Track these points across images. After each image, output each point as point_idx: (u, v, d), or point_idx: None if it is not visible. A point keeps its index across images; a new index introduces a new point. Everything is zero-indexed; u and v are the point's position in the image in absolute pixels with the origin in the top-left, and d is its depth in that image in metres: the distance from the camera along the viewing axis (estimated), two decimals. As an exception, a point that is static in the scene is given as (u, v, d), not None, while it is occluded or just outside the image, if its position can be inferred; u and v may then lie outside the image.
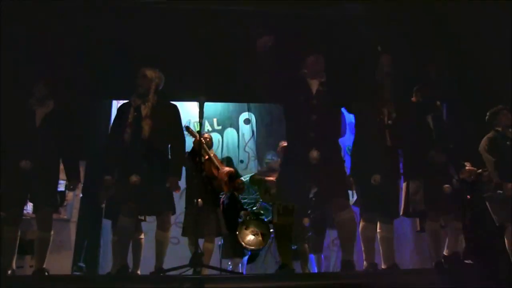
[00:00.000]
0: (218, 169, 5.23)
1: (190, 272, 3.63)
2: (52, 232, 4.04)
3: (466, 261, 4.25)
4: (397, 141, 3.97)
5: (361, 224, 4.04)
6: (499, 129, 4.57)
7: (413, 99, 4.36)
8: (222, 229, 5.14)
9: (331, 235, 7.11)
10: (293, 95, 3.79)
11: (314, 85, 3.81)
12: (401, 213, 4.27)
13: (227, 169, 5.30)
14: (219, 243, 5.68)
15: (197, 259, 3.61)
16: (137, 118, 3.88)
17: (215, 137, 7.51)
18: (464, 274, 3.63)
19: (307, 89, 3.79)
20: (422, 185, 4.07)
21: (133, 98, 3.98)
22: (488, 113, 4.70)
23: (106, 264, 6.44)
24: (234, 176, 5.38)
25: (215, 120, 7.67)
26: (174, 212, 4.21)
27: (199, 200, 4.02)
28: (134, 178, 3.71)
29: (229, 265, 5.73)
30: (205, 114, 3.96)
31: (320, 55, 3.92)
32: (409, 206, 4.16)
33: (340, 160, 3.89)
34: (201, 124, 3.96)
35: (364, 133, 4.07)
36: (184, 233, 4.98)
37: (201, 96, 3.91)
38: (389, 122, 3.99)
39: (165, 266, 3.93)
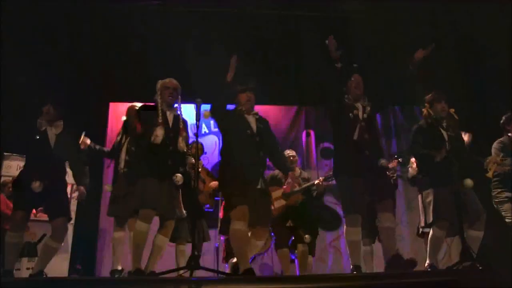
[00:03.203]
0: (204, 183, 5.23)
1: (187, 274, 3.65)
2: (62, 244, 4.23)
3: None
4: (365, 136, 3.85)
5: (345, 228, 3.94)
6: (510, 134, 4.61)
7: (424, 110, 4.18)
8: (206, 237, 5.16)
9: (327, 238, 7.14)
10: None
11: None
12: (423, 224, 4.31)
13: (212, 184, 5.24)
14: (216, 244, 5.68)
15: (194, 261, 3.63)
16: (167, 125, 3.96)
17: (212, 139, 7.52)
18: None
19: None
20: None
21: (162, 107, 4.00)
22: (503, 117, 4.72)
23: (103, 266, 6.43)
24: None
25: (212, 122, 7.67)
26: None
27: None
28: (178, 177, 3.79)
29: (226, 267, 5.72)
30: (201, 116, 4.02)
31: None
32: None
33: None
34: (198, 126, 3.98)
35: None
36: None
37: (198, 98, 3.94)
38: (364, 116, 3.91)
39: (162, 268, 3.94)
